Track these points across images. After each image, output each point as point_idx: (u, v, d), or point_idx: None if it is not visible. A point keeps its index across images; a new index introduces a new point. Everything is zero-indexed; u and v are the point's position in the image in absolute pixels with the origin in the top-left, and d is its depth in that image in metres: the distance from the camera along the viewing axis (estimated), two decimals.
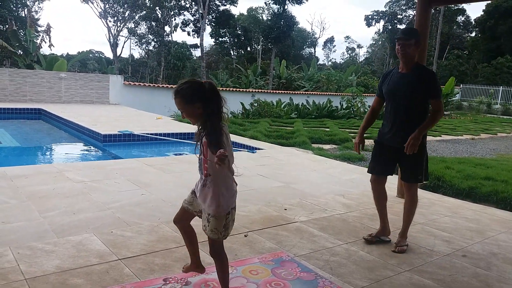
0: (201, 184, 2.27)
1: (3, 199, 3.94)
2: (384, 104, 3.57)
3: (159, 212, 3.86)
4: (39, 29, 29.23)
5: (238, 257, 3.00)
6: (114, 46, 38.28)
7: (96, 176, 5.03)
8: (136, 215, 3.74)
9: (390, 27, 48.44)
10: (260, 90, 20.99)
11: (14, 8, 32.98)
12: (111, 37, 38.21)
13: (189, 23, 40.16)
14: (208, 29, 39.79)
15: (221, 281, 2.35)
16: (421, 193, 5.31)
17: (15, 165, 5.44)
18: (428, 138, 12.38)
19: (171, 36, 39.84)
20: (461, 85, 31.15)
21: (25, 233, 3.15)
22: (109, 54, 44.38)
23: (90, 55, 43.02)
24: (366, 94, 22.41)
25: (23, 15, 33.10)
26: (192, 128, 9.34)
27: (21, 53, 19.23)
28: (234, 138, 9.00)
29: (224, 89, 19.91)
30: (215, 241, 2.29)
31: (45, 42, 20.02)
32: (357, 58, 61.70)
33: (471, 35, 44.64)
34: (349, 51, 62.91)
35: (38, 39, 19.96)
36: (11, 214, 3.54)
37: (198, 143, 2.24)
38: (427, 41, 4.98)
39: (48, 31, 20.37)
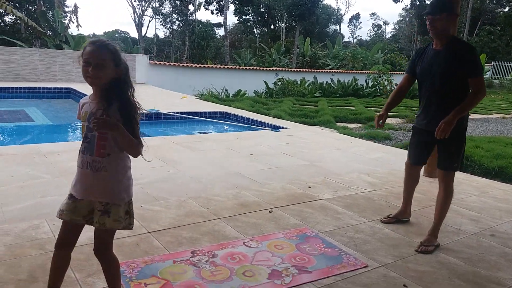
0: (91, 169, 1.83)
1: (38, 174, 4.11)
2: (417, 83, 3.27)
3: (186, 188, 3.95)
4: (67, 9, 29.65)
5: (263, 232, 3.06)
6: (139, 25, 38.51)
7: None
8: (164, 190, 3.84)
9: (418, 3, 46.68)
10: (283, 69, 20.80)
11: None
12: (136, 17, 38.42)
13: (213, 1, 39.88)
14: (232, 7, 39.42)
15: (112, 283, 2.00)
16: None
17: (47, 142, 5.63)
18: None
19: (195, 15, 39.73)
20: (493, 62, 29.97)
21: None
22: (134, 34, 44.78)
23: (116, 35, 43.46)
24: (393, 72, 21.90)
25: None
26: (217, 108, 9.38)
27: (50, 33, 19.62)
28: (257, 117, 9.02)
29: (248, 68, 19.81)
30: (112, 234, 1.95)
31: (73, 22, 20.38)
32: (384, 35, 60.06)
33: (504, 10, 42.58)
34: (375, 28, 61.28)
35: (66, 19, 20.28)
36: (46, 189, 3.69)
37: (90, 118, 1.80)
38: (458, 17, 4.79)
39: (75, 11, 20.67)
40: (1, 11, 25.08)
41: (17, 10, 21.49)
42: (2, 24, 31.94)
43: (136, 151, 1.89)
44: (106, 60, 1.79)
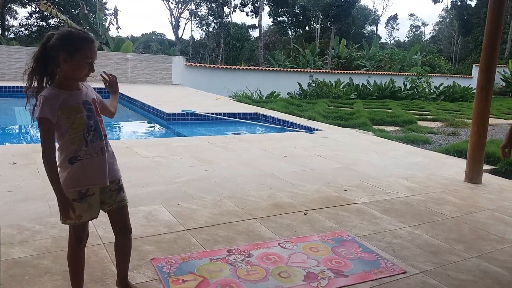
0: (103, 154, 1.90)
1: None
2: None
3: (222, 188, 3.99)
4: (107, 12, 30.66)
5: (298, 234, 3.05)
6: (175, 28, 39.30)
7: (162, 152, 5.29)
8: (200, 189, 3.91)
9: (459, 3, 45.17)
10: (318, 70, 20.64)
11: None
12: (173, 19, 39.22)
13: (248, 3, 40.10)
14: (267, 9, 39.51)
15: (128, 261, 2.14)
16: (491, 178, 5.03)
17: None
18: (499, 121, 11.68)
19: (230, 17, 40.11)
20: None
21: None
22: (170, 36, 45.72)
23: (153, 37, 44.52)
24: (432, 74, 21.27)
25: None
26: (251, 109, 9.41)
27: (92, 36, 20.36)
28: (291, 118, 9.00)
29: (281, 69, 19.80)
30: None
31: (113, 25, 21.06)
32: (422, 36, 58.44)
33: None
34: (414, 29, 59.76)
35: (106, 22, 20.99)
36: None
37: (87, 104, 1.88)
38: (502, 17, 4.61)
39: (115, 14, 21.34)
40: (47, 14, 26.24)
41: (61, 13, 22.45)
42: (47, 26, 33.42)
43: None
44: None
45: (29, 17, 33.49)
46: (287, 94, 16.41)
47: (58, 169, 1.82)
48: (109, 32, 21.19)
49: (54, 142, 1.79)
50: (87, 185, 1.86)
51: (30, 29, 34.10)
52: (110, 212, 1.99)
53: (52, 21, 33.33)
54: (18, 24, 34.62)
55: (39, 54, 1.78)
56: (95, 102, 1.94)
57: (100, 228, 2.90)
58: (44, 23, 33.77)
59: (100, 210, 1.97)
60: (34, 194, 3.52)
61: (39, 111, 1.73)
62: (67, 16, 23.91)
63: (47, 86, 1.82)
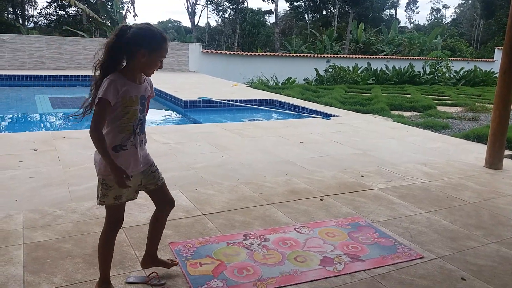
0: (139, 143, 2.02)
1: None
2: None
3: (238, 174, 4.02)
4: (124, 0, 30.78)
5: (314, 219, 3.06)
6: (192, 15, 39.21)
7: (179, 139, 5.34)
8: (217, 175, 3.94)
9: None
10: (335, 55, 20.36)
11: None
12: (189, 6, 39.11)
13: None
14: None
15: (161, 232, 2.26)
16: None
17: None
18: None
19: (247, 2, 39.84)
20: None
21: None
22: (186, 23, 45.67)
23: (170, 25, 44.54)
24: (453, 58, 20.76)
25: None
26: (267, 96, 9.40)
27: (109, 24, 20.49)
28: (308, 104, 8.94)
29: (298, 55, 19.61)
30: None
31: (130, 13, 21.13)
32: (443, 19, 56.94)
33: None
34: (434, 12, 58.23)
35: (123, 10, 21.08)
36: None
37: (143, 100, 1.99)
38: None
39: (132, 2, 21.41)
40: (65, 3, 26.50)
41: (80, 2, 22.63)
42: (66, 15, 33.77)
43: None
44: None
45: (48, 7, 33.86)
46: (304, 80, 16.27)
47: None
48: (126, 20, 21.30)
49: (105, 122, 1.88)
50: (129, 170, 1.96)
51: (49, 18, 34.51)
52: (156, 189, 2.16)
53: (71, 10, 33.65)
54: (37, 14, 35.06)
55: (113, 45, 1.86)
56: (149, 99, 2.05)
57: None
58: (63, 12, 34.11)
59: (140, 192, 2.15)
60: (55, 180, 3.61)
61: (102, 92, 1.81)
62: (85, 4, 24.08)
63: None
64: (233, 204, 3.24)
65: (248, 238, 2.73)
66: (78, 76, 13.20)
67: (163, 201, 2.21)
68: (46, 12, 34.38)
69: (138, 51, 1.84)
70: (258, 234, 2.79)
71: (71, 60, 15.02)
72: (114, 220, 2.05)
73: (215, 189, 3.56)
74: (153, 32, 1.88)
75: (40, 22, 34.46)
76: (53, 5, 33.53)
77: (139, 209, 3.04)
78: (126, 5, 22.10)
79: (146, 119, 2.06)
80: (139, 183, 2.09)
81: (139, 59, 1.86)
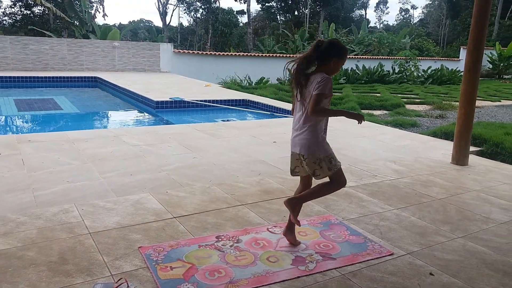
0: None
1: (67, 160, 4.23)
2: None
3: (210, 175, 3.98)
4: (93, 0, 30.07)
5: (286, 219, 3.04)
6: (163, 14, 38.73)
7: (150, 140, 5.25)
8: (189, 177, 3.89)
9: None
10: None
11: None
12: (160, 6, 38.62)
13: None
14: None
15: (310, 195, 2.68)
16: (477, 160, 5.09)
17: (75, 130, 5.78)
18: (486, 103, 11.79)
19: (218, 2, 39.63)
20: None
21: (87, 192, 3.38)
22: (158, 23, 45.07)
23: (141, 25, 43.85)
24: (421, 58, 21.31)
25: None
26: (240, 96, 9.35)
27: (77, 23, 19.98)
28: (281, 104, 8.98)
29: (271, 55, 19.68)
30: None
31: (99, 12, 20.72)
32: (411, 19, 58.42)
33: None
34: (403, 13, 59.66)
35: (92, 9, 20.59)
36: (74, 174, 3.80)
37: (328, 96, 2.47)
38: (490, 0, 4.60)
39: (101, 1, 20.95)
40: (31, 2, 25.67)
41: (46, 1, 21.94)
42: (31, 15, 32.71)
43: None
44: None
45: (12, 6, 32.73)
46: (277, 80, 16.33)
47: (313, 134, 2.53)
48: (96, 19, 20.82)
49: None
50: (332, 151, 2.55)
51: (14, 17, 33.35)
52: None
53: (36, 9, 32.63)
54: (1, 13, 33.82)
55: (311, 53, 2.42)
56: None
57: (87, 217, 2.89)
58: (28, 12, 33.03)
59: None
60: (19, 185, 3.47)
61: (327, 89, 2.37)
62: (51, 3, 23.37)
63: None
64: (205, 206, 3.20)
65: (220, 240, 2.71)
66: (45, 77, 12.80)
67: None
68: (11, 11, 33.21)
69: (332, 58, 2.41)
70: (231, 236, 2.77)
71: (38, 61, 14.54)
72: (343, 181, 2.56)
73: (186, 191, 3.51)
74: (342, 45, 2.47)
75: (4, 22, 33.26)
76: (18, 4, 32.42)
77: (108, 214, 2.96)
78: (95, 5, 21.61)
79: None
80: None
81: (332, 64, 2.43)
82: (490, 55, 22.31)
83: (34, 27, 23.54)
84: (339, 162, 2.55)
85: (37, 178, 3.66)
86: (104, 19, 27.38)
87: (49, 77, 12.84)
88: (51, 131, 6.82)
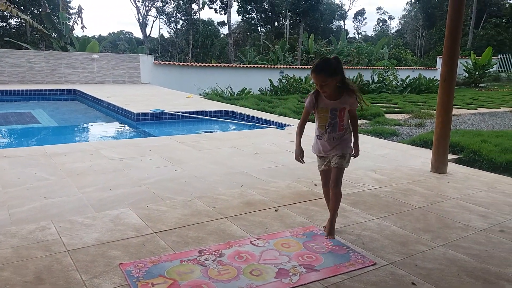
0: (333, 140, 2.93)
1: (44, 175, 4.13)
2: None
3: (192, 188, 3.94)
4: (71, 11, 29.74)
5: (269, 231, 3.04)
6: (143, 26, 38.59)
7: (130, 154, 5.17)
8: (170, 190, 3.84)
9: None
10: (288, 66, 20.71)
11: None
12: (140, 17, 38.49)
13: (216, 0, 39.82)
14: (235, 6, 39.36)
15: (337, 207, 3.01)
16: (456, 167, 5.18)
17: (53, 144, 5.66)
18: (463, 111, 12.06)
19: (199, 14, 39.74)
20: (499, 55, 29.64)
21: (65, 208, 3.30)
22: (138, 34, 44.87)
23: (121, 36, 43.53)
24: (399, 67, 21.75)
25: None
26: (222, 107, 9.34)
27: (55, 35, 19.71)
28: (262, 115, 9.00)
29: (252, 66, 19.78)
30: (342, 172, 2.97)
31: (77, 24, 20.46)
32: (389, 30, 59.72)
33: (510, 2, 42.08)
34: (381, 23, 60.96)
35: (70, 21, 20.37)
36: (52, 190, 3.70)
37: (334, 111, 2.86)
38: (463, 10, 4.74)
39: (79, 13, 20.75)
40: (7, 14, 25.22)
41: (22, 12, 21.61)
42: (8, 27, 32.16)
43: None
44: (327, 79, 2.74)
45: None
46: (258, 90, 16.41)
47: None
48: (74, 32, 20.59)
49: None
50: (318, 153, 3.06)
51: None
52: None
53: (13, 21, 32.10)
54: None
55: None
56: (343, 109, 2.90)
57: (64, 234, 2.81)
58: (4, 24, 32.47)
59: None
60: None
61: (306, 103, 2.96)
62: (28, 15, 23.03)
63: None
64: (187, 220, 3.16)
65: (202, 254, 2.67)
66: (22, 90, 12.56)
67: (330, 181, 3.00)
68: None
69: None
70: (213, 250, 2.73)
71: (14, 74, 14.27)
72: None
73: (167, 205, 3.46)
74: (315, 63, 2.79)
75: None
76: None
77: (86, 230, 2.89)
78: (73, 17, 21.38)
79: (340, 123, 2.95)
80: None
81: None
82: (466, 64, 22.95)
83: (11, 39, 23.13)
84: (319, 167, 3.06)
85: (13, 194, 3.56)
86: (83, 31, 27.07)
87: (26, 90, 12.60)
88: (28, 145, 6.67)
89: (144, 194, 3.70)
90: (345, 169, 2.98)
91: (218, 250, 2.73)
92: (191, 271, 2.46)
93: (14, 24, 32.19)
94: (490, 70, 24.16)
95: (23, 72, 14.39)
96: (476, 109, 12.44)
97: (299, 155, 3.01)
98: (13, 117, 9.31)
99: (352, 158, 3.03)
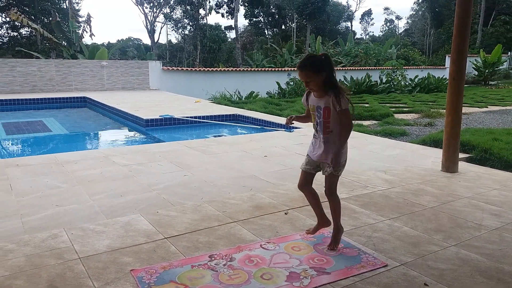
0: (322, 142, 2.75)
1: (55, 183, 4.18)
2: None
3: (202, 192, 3.95)
4: (80, 19, 30.14)
5: (279, 234, 3.04)
6: (151, 32, 38.93)
7: (140, 160, 5.21)
8: (179, 195, 3.86)
9: None
10: (295, 69, 20.66)
11: (56, 1, 34.13)
12: (148, 24, 38.84)
13: (223, 5, 40.04)
14: (242, 10, 39.50)
15: (335, 216, 2.87)
16: (467, 166, 5.13)
17: (65, 151, 5.73)
18: (473, 109, 11.94)
19: (206, 19, 39.98)
20: (509, 52, 29.25)
21: (77, 215, 3.34)
22: (147, 40, 45.26)
23: (130, 43, 43.93)
24: (407, 67, 21.60)
25: (65, 6, 34.18)
26: (230, 111, 9.36)
27: (65, 44, 19.97)
28: (270, 118, 9.01)
29: (260, 69, 19.81)
30: (335, 179, 2.82)
31: (86, 32, 20.71)
32: (396, 30, 59.39)
33: None
34: (388, 23, 60.65)
35: (80, 29, 20.63)
36: (63, 198, 3.75)
37: (319, 109, 2.69)
38: (471, 8, 4.70)
39: (88, 21, 21.01)
40: (17, 23, 25.64)
41: (33, 22, 21.94)
42: (19, 36, 32.69)
43: (349, 134, 2.74)
44: (311, 76, 2.60)
45: None
46: (266, 93, 16.41)
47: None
48: (83, 39, 20.84)
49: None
50: (308, 152, 2.91)
51: (1, 40, 33.31)
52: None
53: (24, 31, 32.63)
54: None
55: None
56: (327, 109, 2.67)
57: (76, 242, 2.84)
58: (15, 33, 33.02)
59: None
60: (6, 211, 3.42)
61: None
62: (39, 25, 23.38)
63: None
64: (197, 225, 3.17)
65: (213, 259, 2.67)
66: (34, 99, 12.74)
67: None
68: None
69: None
70: (224, 254, 2.74)
71: (25, 83, 14.48)
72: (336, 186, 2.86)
73: (177, 210, 3.48)
74: None
75: None
76: (4, 26, 32.41)
77: (97, 237, 2.92)
78: (82, 25, 21.66)
79: (325, 124, 2.73)
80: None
81: None
82: (475, 62, 22.70)
83: (22, 49, 23.49)
84: (302, 165, 2.92)
85: (25, 203, 3.61)
86: (92, 39, 27.48)
87: (38, 99, 12.77)
88: (40, 154, 6.75)
89: (154, 200, 3.72)
90: (339, 176, 2.82)
91: (229, 254, 2.73)
92: (202, 276, 2.46)
93: (25, 34, 32.73)
94: (500, 67, 23.85)
95: (34, 81, 14.59)
96: (487, 107, 12.29)
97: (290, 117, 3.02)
98: (25, 126, 9.45)
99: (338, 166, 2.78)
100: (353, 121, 7.67)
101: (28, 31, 32.21)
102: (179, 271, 2.50)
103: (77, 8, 36.77)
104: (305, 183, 2.91)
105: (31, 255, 2.64)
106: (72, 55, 19.09)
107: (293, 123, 3.10)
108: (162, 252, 2.73)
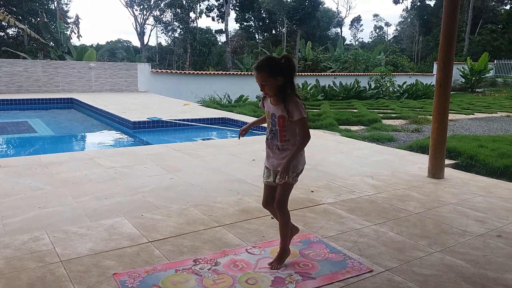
0: (277, 149, 2.57)
1: (39, 185, 4.10)
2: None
3: (188, 196, 3.92)
4: (68, 20, 29.86)
5: (265, 239, 3.02)
6: (141, 34, 38.74)
7: (126, 162, 5.15)
8: (165, 198, 3.82)
9: (418, 3, 46.72)
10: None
11: (44, 1, 33.77)
12: (137, 26, 38.65)
13: (214, 9, 40.06)
14: (233, 14, 39.58)
15: (283, 235, 2.64)
16: (453, 172, 5.17)
17: (49, 153, 5.63)
18: (460, 116, 12.07)
19: (196, 22, 39.91)
20: (495, 61, 29.80)
21: (60, 218, 3.28)
22: (136, 43, 45.00)
23: (119, 45, 43.61)
24: (396, 73, 21.83)
25: (53, 7, 33.85)
26: (219, 114, 9.33)
27: (53, 44, 19.75)
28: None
29: (249, 73, 19.81)
30: (288, 189, 2.60)
31: (75, 33, 20.49)
32: (386, 36, 60.04)
33: (506, 8, 42.41)
34: (377, 30, 61.31)
35: (68, 30, 20.42)
36: (46, 200, 3.68)
37: (273, 117, 2.55)
38: (457, 16, 4.76)
39: (77, 22, 20.80)
40: (4, 23, 25.30)
41: (20, 22, 21.67)
42: (5, 36, 32.25)
43: (305, 145, 2.57)
44: (267, 79, 2.43)
45: None
46: (256, 97, 16.41)
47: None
48: (71, 40, 20.63)
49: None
50: (264, 161, 2.72)
51: None
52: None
53: (11, 31, 32.19)
54: None
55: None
56: (282, 117, 2.52)
57: (58, 245, 2.78)
58: (2, 33, 32.56)
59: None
60: None
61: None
62: (26, 25, 23.08)
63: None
64: (182, 229, 3.14)
65: (198, 263, 2.64)
66: (19, 99, 12.54)
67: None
68: None
69: None
70: (209, 259, 2.71)
71: (11, 83, 14.26)
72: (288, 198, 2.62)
73: (163, 213, 3.44)
74: None
75: None
76: None
77: (80, 240, 2.86)
78: (70, 26, 21.45)
79: (281, 133, 2.57)
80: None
81: None
82: (462, 70, 23.04)
83: (8, 49, 23.16)
84: (263, 178, 2.72)
85: (7, 205, 3.53)
86: (79, 40, 27.24)
87: (23, 100, 12.59)
88: (25, 155, 6.64)
89: (140, 203, 3.68)
90: (292, 185, 2.61)
91: (214, 259, 2.70)
92: (186, 280, 2.43)
93: (11, 34, 32.29)
94: (487, 75, 24.25)
95: (20, 81, 14.38)
96: (473, 114, 12.46)
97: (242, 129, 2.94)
98: (9, 126, 9.29)
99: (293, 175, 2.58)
100: (340, 127, 7.68)
101: (15, 31, 31.80)
102: (163, 275, 2.47)
103: (66, 9, 36.43)
104: (271, 199, 2.64)
105: (11, 257, 2.58)
106: (60, 56, 18.87)
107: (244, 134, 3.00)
108: (146, 256, 2.68)
